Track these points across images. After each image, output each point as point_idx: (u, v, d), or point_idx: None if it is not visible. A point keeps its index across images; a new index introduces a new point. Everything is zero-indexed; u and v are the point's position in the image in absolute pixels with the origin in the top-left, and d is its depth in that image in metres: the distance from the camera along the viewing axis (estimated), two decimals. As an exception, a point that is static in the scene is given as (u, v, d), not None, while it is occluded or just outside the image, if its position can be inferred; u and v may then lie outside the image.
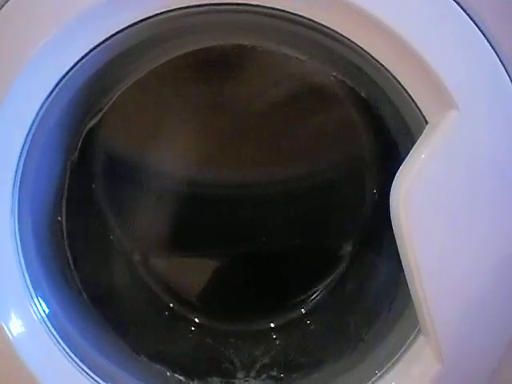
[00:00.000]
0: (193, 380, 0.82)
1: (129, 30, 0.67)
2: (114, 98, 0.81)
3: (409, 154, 0.66)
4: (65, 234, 0.82)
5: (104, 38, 0.67)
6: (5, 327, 0.68)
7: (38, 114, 0.68)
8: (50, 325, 0.72)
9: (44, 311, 0.72)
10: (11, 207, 0.69)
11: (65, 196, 0.81)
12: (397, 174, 0.66)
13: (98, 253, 0.90)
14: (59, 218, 0.80)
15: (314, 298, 0.94)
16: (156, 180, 0.93)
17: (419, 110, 0.66)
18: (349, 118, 0.88)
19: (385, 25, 0.62)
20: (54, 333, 0.72)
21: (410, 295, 0.70)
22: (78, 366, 0.73)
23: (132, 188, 0.94)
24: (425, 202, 0.65)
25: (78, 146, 0.82)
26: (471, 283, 0.68)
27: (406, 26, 0.63)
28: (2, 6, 0.64)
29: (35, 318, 0.71)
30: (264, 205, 0.94)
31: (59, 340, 0.72)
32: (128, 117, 0.89)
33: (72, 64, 0.67)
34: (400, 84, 0.66)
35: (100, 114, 0.81)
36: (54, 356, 0.72)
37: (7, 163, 0.68)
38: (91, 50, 0.67)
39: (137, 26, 0.67)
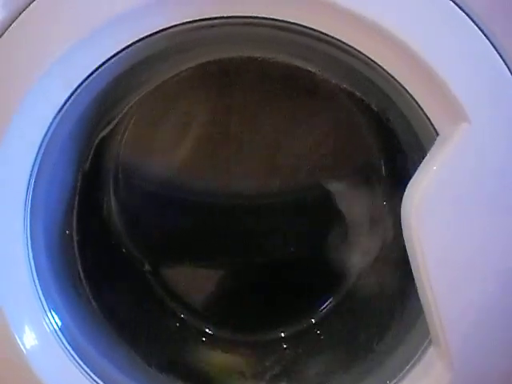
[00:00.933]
0: (204, 390, 0.83)
1: (140, 43, 0.68)
2: (125, 109, 0.82)
3: (420, 166, 0.66)
4: (75, 246, 0.82)
5: (118, 49, 0.67)
6: (18, 340, 0.68)
7: (49, 127, 0.68)
8: (62, 337, 0.72)
9: (57, 324, 0.72)
10: (23, 221, 0.69)
11: (75, 208, 0.82)
12: (408, 185, 0.66)
13: (108, 264, 0.90)
14: (67, 232, 0.80)
15: (324, 308, 0.94)
16: (166, 190, 0.93)
17: (430, 121, 0.66)
18: (359, 130, 0.89)
19: (396, 37, 0.63)
20: (67, 345, 0.72)
21: (420, 306, 0.70)
22: (91, 377, 0.73)
23: (142, 198, 0.94)
24: (436, 213, 0.65)
25: (90, 156, 0.83)
26: (483, 293, 0.68)
27: (417, 39, 0.63)
28: (13, 21, 0.65)
29: (48, 330, 0.71)
30: (274, 215, 0.95)
31: (72, 352, 0.72)
32: (139, 127, 0.89)
33: (84, 77, 0.67)
34: (411, 96, 0.66)
35: (112, 125, 0.82)
36: (66, 368, 0.72)
37: (19, 177, 0.68)
38: (103, 63, 0.67)
39: (149, 38, 0.68)
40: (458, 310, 0.68)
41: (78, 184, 0.82)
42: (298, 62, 0.80)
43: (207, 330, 0.94)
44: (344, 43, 0.65)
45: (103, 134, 0.82)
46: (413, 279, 0.69)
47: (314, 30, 0.66)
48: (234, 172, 0.94)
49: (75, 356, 0.72)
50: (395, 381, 0.75)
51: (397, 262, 0.83)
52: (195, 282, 0.98)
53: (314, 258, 0.95)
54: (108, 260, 0.91)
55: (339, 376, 0.83)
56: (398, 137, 0.79)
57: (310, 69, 0.80)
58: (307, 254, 0.96)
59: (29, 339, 0.69)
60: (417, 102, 0.66)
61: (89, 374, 0.73)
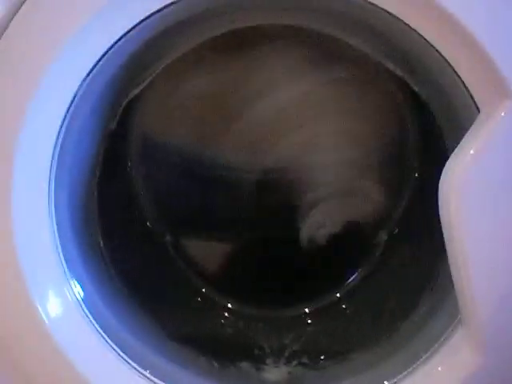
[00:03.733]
0: (224, 365, 0.82)
1: (170, 7, 0.66)
2: (153, 75, 0.81)
3: (460, 143, 0.64)
4: (97, 216, 0.81)
5: (148, 14, 0.65)
6: (41, 309, 0.67)
7: (78, 89, 0.66)
8: (84, 307, 0.71)
9: (79, 293, 0.71)
10: (48, 188, 0.68)
11: (98, 177, 0.80)
12: (446, 165, 0.64)
13: (130, 236, 0.90)
14: (94, 205, 0.79)
15: (351, 282, 0.94)
16: (190, 162, 0.92)
17: (471, 97, 0.64)
18: (394, 102, 0.87)
19: (443, 10, 0.60)
20: (89, 315, 0.71)
21: (448, 286, 0.69)
22: (112, 348, 0.72)
23: (165, 169, 0.93)
24: (475, 193, 0.64)
25: (117, 117, 0.81)
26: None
27: (465, 13, 0.61)
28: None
29: (70, 300, 0.70)
30: (300, 189, 0.93)
31: (94, 322, 0.71)
32: (165, 96, 0.88)
33: (112, 43, 0.65)
34: (454, 69, 0.64)
35: (140, 87, 0.80)
36: (88, 338, 0.70)
37: (46, 140, 0.66)
38: (133, 28, 0.66)
39: (178, 3, 0.66)
40: (492, 290, 0.66)
41: (103, 149, 0.81)
42: (336, 33, 0.78)
43: (229, 305, 0.94)
44: (391, 14, 0.63)
45: (131, 95, 0.81)
46: (441, 257, 0.68)
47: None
48: (258, 146, 0.92)
49: (97, 326, 0.71)
50: (419, 362, 0.73)
51: (425, 239, 0.82)
52: (217, 255, 0.97)
53: (341, 233, 0.94)
54: (129, 230, 0.90)
55: (362, 354, 0.82)
56: (435, 112, 0.77)
57: (348, 40, 0.78)
58: (334, 228, 0.94)
59: (52, 308, 0.68)
60: (460, 76, 0.64)
61: (110, 345, 0.72)
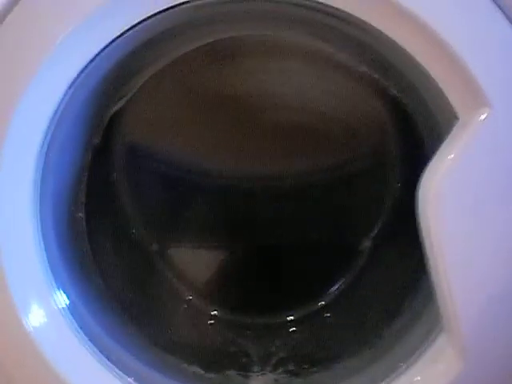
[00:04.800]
0: (209, 372, 0.82)
1: (155, 18, 0.66)
2: (137, 86, 0.81)
3: (438, 151, 0.65)
4: (83, 224, 0.81)
5: (127, 27, 0.66)
6: (25, 318, 0.67)
7: (59, 104, 0.67)
8: (69, 315, 0.71)
9: (64, 302, 0.71)
10: (33, 198, 0.68)
11: (84, 186, 0.81)
12: (425, 171, 0.65)
13: (117, 244, 0.90)
14: (80, 215, 0.80)
15: (334, 291, 0.94)
16: (176, 170, 0.93)
17: (450, 105, 0.65)
18: (374, 111, 0.88)
19: (418, 18, 0.61)
20: (74, 324, 0.71)
21: (430, 293, 0.69)
22: (97, 356, 0.72)
23: (152, 178, 0.93)
24: (453, 200, 0.64)
25: (101, 131, 0.82)
26: (498, 280, 0.67)
27: (440, 20, 0.62)
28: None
29: (55, 308, 0.70)
30: (284, 198, 0.94)
31: (79, 331, 0.71)
32: (151, 105, 0.88)
33: (96, 52, 0.66)
34: (432, 78, 0.64)
35: (123, 101, 0.81)
36: (72, 347, 0.71)
37: (30, 151, 0.67)
38: (114, 39, 0.66)
39: (163, 13, 0.66)
40: (473, 295, 0.67)
41: (88, 160, 0.81)
42: (315, 42, 0.79)
43: (214, 313, 0.94)
44: (364, 22, 0.64)
45: (115, 109, 0.81)
46: (423, 264, 0.68)
47: (332, 7, 0.64)
48: (244, 153, 0.92)
49: (82, 335, 0.71)
50: (403, 368, 0.74)
51: (408, 247, 0.83)
52: (203, 264, 0.97)
53: (324, 241, 0.94)
54: (116, 239, 0.90)
55: (346, 361, 0.83)
56: (415, 120, 0.78)
57: (326, 49, 0.79)
58: (317, 236, 0.95)
59: (36, 317, 0.68)
60: (437, 85, 0.64)
61: (95, 353, 0.72)
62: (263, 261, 0.96)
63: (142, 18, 0.66)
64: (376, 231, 0.93)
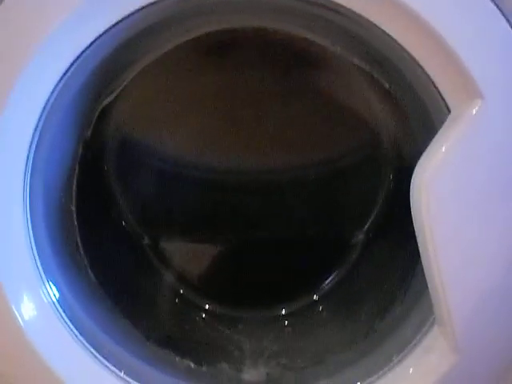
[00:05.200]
0: (202, 366, 0.82)
1: (144, 10, 0.66)
2: (128, 79, 0.81)
3: (431, 143, 0.65)
4: (74, 216, 0.81)
5: (118, 19, 0.65)
6: (16, 311, 0.67)
7: (50, 96, 0.67)
8: (60, 309, 0.71)
9: (54, 295, 0.71)
10: (23, 192, 0.68)
11: (76, 179, 0.81)
12: (418, 163, 0.65)
13: (107, 237, 0.90)
14: (71, 208, 0.79)
15: (327, 285, 0.94)
16: (167, 163, 0.93)
17: (442, 98, 0.65)
18: (367, 104, 0.88)
19: (412, 11, 0.61)
20: (65, 317, 0.71)
21: (423, 286, 0.69)
22: (88, 350, 0.72)
23: (143, 171, 0.93)
24: (446, 192, 0.64)
25: (92, 124, 0.81)
26: (490, 273, 0.67)
27: (431, 12, 0.61)
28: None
29: (46, 301, 0.70)
30: (278, 191, 0.94)
31: (69, 324, 0.71)
32: (141, 98, 0.88)
33: (87, 45, 0.66)
34: (424, 70, 0.64)
35: (114, 94, 0.81)
36: (64, 340, 0.71)
37: (20, 144, 0.67)
38: (105, 32, 0.66)
39: (152, 6, 0.66)
40: (465, 288, 0.67)
41: (79, 153, 0.81)
42: (307, 34, 0.78)
43: (207, 306, 0.94)
44: (356, 14, 0.64)
45: (106, 102, 0.81)
46: (416, 258, 0.68)
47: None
48: (236, 146, 0.92)
49: (73, 328, 0.71)
50: (396, 361, 0.74)
51: (401, 240, 0.83)
52: (195, 257, 0.97)
53: (318, 235, 0.94)
54: (107, 232, 0.90)
55: (340, 354, 0.83)
56: (408, 113, 0.77)
57: (319, 42, 0.78)
58: (310, 230, 0.95)
59: (26, 310, 0.68)
60: (430, 78, 0.65)
61: (86, 347, 0.72)
62: (256, 255, 0.95)
63: (131, 11, 0.65)
64: (369, 225, 0.94)
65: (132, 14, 0.66)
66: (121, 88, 0.81)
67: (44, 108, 0.67)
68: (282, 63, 0.88)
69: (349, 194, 0.94)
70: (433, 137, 0.65)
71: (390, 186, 0.90)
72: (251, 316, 0.93)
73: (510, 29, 0.63)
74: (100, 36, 0.66)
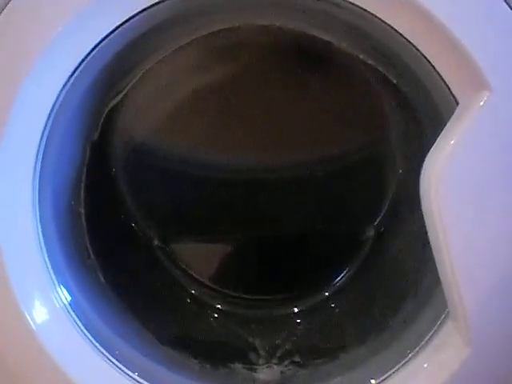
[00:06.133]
0: (216, 366, 0.82)
1: (150, 10, 0.66)
2: (134, 80, 0.81)
3: (439, 136, 0.65)
4: (83, 219, 0.81)
5: (126, 18, 0.66)
6: (27, 315, 0.67)
7: (58, 98, 0.67)
8: (72, 312, 0.71)
9: (66, 299, 0.71)
10: (32, 195, 0.68)
11: (84, 182, 0.81)
12: (427, 156, 0.65)
13: (117, 239, 0.90)
14: (80, 210, 0.80)
15: (339, 281, 0.94)
16: (176, 163, 0.92)
17: (450, 90, 0.65)
18: (374, 99, 0.87)
19: (417, 3, 0.61)
20: (77, 320, 0.71)
21: (436, 280, 0.69)
22: (102, 353, 0.72)
23: (152, 172, 0.93)
24: (456, 184, 0.64)
25: (99, 127, 0.82)
26: (502, 266, 0.67)
27: (438, 4, 0.61)
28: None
29: (57, 305, 0.70)
30: (287, 188, 0.93)
31: (81, 327, 0.71)
32: (148, 99, 0.88)
33: (93, 46, 0.66)
34: (430, 64, 0.64)
35: (120, 95, 0.81)
36: (76, 344, 0.71)
37: (28, 147, 0.67)
38: (112, 32, 0.66)
39: (158, 5, 0.66)
40: (478, 282, 0.67)
41: (87, 155, 0.81)
42: (313, 31, 0.78)
43: (219, 306, 0.93)
44: (362, 9, 0.64)
45: (112, 103, 0.81)
46: (428, 253, 0.68)
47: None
48: (244, 145, 0.92)
49: (85, 331, 0.71)
50: (411, 356, 0.73)
51: (412, 235, 0.83)
52: (206, 257, 0.97)
53: (328, 231, 0.94)
54: (117, 234, 0.90)
55: (353, 351, 0.82)
56: (416, 107, 0.77)
57: (324, 38, 0.78)
58: (321, 226, 0.95)
59: (38, 314, 0.68)
60: (436, 70, 0.64)
61: (99, 350, 0.72)
62: (267, 253, 0.95)
63: (137, 11, 0.65)
64: (379, 219, 0.93)
65: (138, 14, 0.66)
66: (127, 89, 0.82)
67: (52, 110, 0.67)
68: (287, 60, 0.87)
69: (358, 190, 0.93)
70: (441, 130, 0.65)
71: (400, 180, 0.90)
72: (263, 315, 0.93)
73: (518, 21, 0.63)
74: (106, 37, 0.66)
